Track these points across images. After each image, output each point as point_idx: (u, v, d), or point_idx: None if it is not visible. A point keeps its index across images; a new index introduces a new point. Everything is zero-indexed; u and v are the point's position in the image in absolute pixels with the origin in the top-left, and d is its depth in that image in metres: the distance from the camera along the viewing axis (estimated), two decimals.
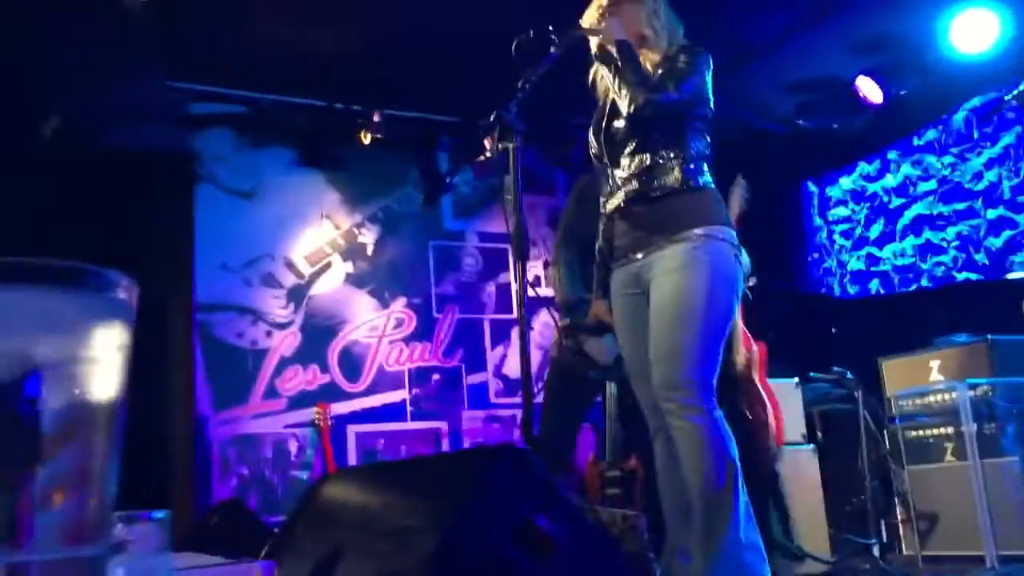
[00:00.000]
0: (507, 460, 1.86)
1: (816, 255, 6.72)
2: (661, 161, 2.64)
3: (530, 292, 6.57)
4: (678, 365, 2.49)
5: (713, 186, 2.69)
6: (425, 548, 1.77)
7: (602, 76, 2.87)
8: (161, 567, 0.90)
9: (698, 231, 2.56)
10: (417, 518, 1.89)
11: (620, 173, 2.73)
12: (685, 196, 2.60)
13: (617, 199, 2.73)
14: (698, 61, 2.65)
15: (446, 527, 1.75)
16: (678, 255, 2.56)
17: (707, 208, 2.61)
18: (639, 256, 2.69)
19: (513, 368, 6.21)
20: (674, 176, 2.62)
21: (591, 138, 2.86)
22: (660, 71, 2.64)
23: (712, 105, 2.73)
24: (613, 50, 2.65)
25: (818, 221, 6.73)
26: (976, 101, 5.51)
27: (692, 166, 2.64)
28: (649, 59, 2.71)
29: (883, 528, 4.03)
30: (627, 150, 2.71)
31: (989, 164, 5.49)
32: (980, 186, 5.53)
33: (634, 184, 2.67)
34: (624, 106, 2.64)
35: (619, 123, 2.75)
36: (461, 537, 1.76)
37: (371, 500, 2.10)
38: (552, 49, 2.65)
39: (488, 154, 2.71)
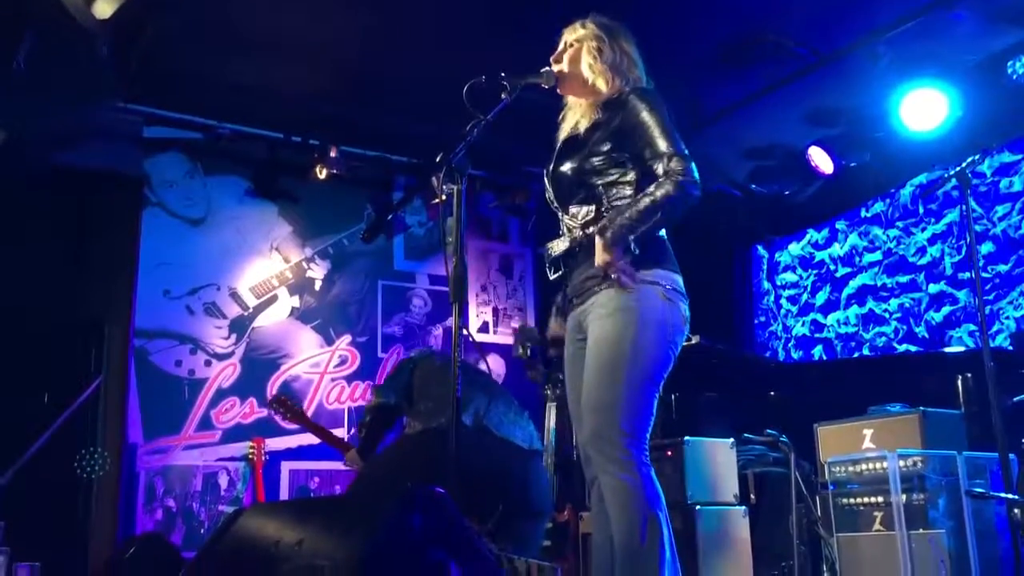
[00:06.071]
0: (422, 504, 1.83)
1: (763, 318, 6.78)
2: (607, 213, 2.61)
3: (476, 337, 6.53)
4: (606, 417, 2.45)
5: (660, 233, 2.65)
6: None
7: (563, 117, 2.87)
8: None
9: None
10: (326, 559, 1.84)
11: (568, 220, 2.71)
12: None
13: (564, 243, 2.71)
14: (666, 122, 2.58)
15: (353, 569, 1.70)
16: (610, 301, 2.53)
17: (643, 255, 2.56)
18: (578, 301, 2.68)
19: None
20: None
21: (545, 181, 2.84)
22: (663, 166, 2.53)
23: None
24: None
25: (766, 285, 6.81)
26: (922, 178, 5.64)
27: None
28: (600, 98, 2.71)
29: None
30: (576, 198, 2.69)
31: (933, 239, 5.61)
32: (923, 260, 5.64)
33: (580, 232, 2.66)
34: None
35: (565, 168, 2.72)
36: None
37: (284, 537, 2.05)
38: (503, 96, 2.66)
39: (444, 197, 2.69)
